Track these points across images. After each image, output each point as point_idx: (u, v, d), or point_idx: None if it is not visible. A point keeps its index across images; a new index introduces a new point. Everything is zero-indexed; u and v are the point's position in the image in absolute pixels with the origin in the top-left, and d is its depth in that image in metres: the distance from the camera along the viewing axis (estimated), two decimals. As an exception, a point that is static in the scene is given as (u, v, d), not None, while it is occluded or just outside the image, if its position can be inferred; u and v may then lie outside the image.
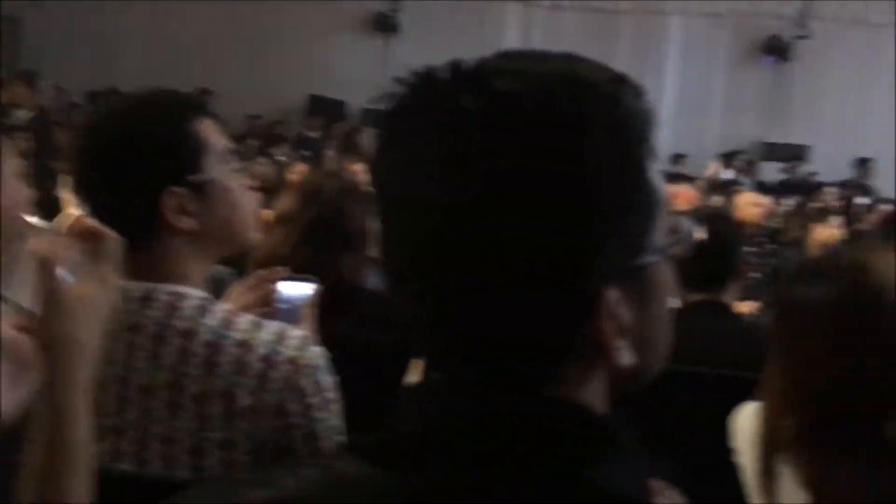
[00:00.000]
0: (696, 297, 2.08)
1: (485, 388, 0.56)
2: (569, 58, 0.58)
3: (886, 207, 6.86)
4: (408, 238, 0.56)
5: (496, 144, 0.52)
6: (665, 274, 0.61)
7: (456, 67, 0.56)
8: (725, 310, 2.05)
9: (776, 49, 10.33)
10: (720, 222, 2.11)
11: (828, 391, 1.25)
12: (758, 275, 5.32)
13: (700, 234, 1.96)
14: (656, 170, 0.58)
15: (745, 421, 1.49)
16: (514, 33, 10.53)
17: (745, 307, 4.97)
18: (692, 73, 10.64)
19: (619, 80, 0.57)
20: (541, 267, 0.53)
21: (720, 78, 10.70)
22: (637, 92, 0.58)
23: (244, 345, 1.09)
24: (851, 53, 10.45)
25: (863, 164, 9.57)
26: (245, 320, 1.13)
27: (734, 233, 2.12)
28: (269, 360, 1.09)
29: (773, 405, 1.36)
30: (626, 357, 0.57)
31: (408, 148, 0.55)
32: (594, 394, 0.58)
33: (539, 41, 10.59)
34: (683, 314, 2.12)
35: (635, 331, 0.57)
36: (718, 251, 2.07)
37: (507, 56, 0.58)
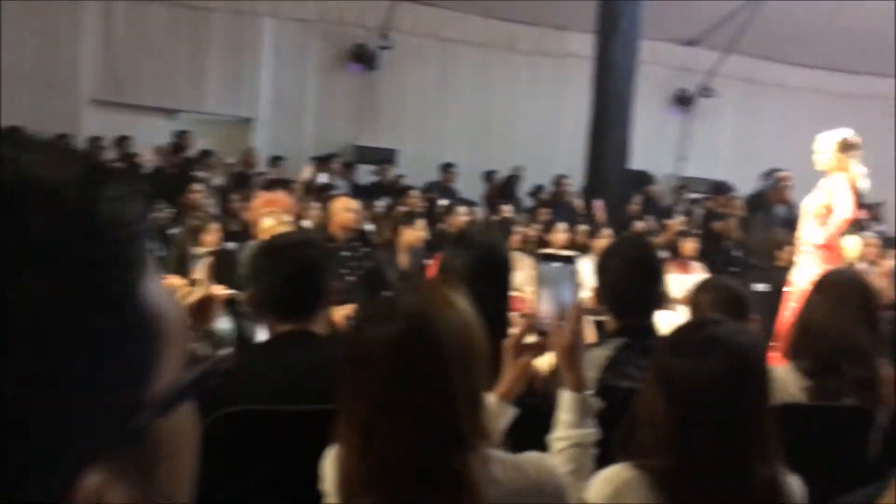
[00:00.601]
0: (284, 327, 1.99)
1: None
2: (19, 146, 0.40)
3: (464, 209, 7.58)
4: None
5: None
6: (184, 419, 0.47)
7: None
8: (316, 339, 1.99)
9: (362, 57, 10.87)
10: (308, 248, 2.04)
11: (391, 430, 1.26)
12: (353, 278, 5.51)
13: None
14: (156, 287, 0.44)
15: (331, 462, 1.43)
16: (91, 26, 9.63)
17: (342, 311, 5.12)
18: (286, 76, 10.74)
19: (94, 180, 0.41)
20: None
21: (313, 82, 10.96)
22: (122, 190, 0.42)
23: None
24: (428, 65, 11.41)
25: (446, 168, 10.49)
26: None
27: (323, 258, 2.07)
28: None
29: (345, 446, 1.33)
30: None
31: None
32: None
33: (122, 37, 9.83)
34: (271, 347, 2.03)
35: None
36: (307, 279, 2.01)
37: None
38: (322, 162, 9.88)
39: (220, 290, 4.94)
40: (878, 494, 1.29)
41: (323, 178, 9.26)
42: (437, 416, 1.25)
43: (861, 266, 5.92)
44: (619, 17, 8.84)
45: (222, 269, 5.03)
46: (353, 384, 1.32)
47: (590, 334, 4.41)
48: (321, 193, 7.72)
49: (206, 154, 9.40)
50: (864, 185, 5.16)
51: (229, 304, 4.81)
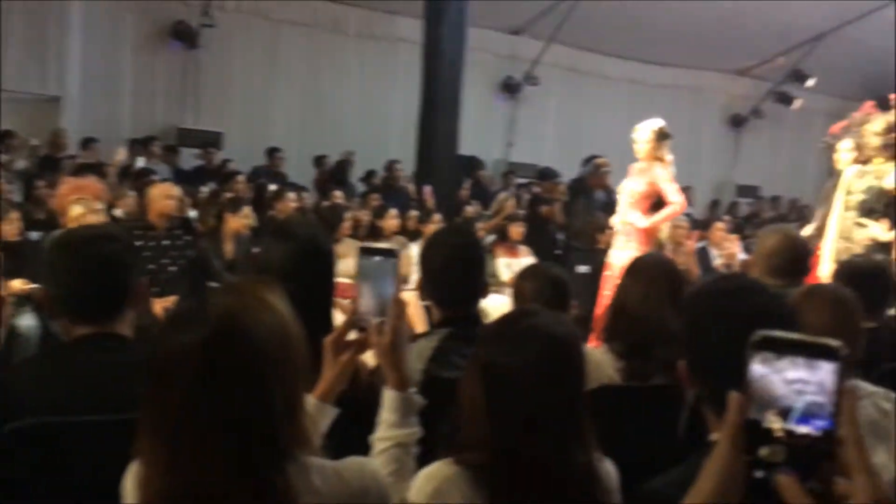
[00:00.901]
0: (83, 329, 1.82)
1: None
2: None
3: (293, 195, 7.40)
4: None
5: None
6: None
7: None
8: (120, 342, 1.83)
9: (183, 35, 10.32)
10: (109, 242, 1.87)
11: (199, 442, 1.16)
12: (175, 268, 5.24)
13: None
14: None
15: (132, 479, 1.31)
16: None
17: (163, 303, 4.86)
18: (99, 52, 9.99)
19: None
20: None
21: (129, 59, 10.27)
22: None
23: None
24: (254, 45, 11.00)
25: (272, 152, 10.19)
26: None
27: (126, 253, 1.90)
28: None
29: (147, 461, 1.22)
30: None
31: None
32: None
33: None
34: (70, 351, 1.85)
35: None
36: (108, 276, 1.84)
37: None
38: (141, 145, 9.33)
39: (18, 286, 4.56)
40: (684, 474, 1.34)
41: (141, 162, 8.74)
42: (250, 426, 1.17)
43: (669, 248, 6.33)
44: (447, 3, 8.92)
45: (24, 261, 4.63)
46: (157, 393, 1.21)
47: (421, 322, 4.42)
48: (138, 179, 7.28)
49: (6, 135, 8.61)
50: (673, 171, 5.51)
51: (33, 299, 4.44)
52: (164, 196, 5.30)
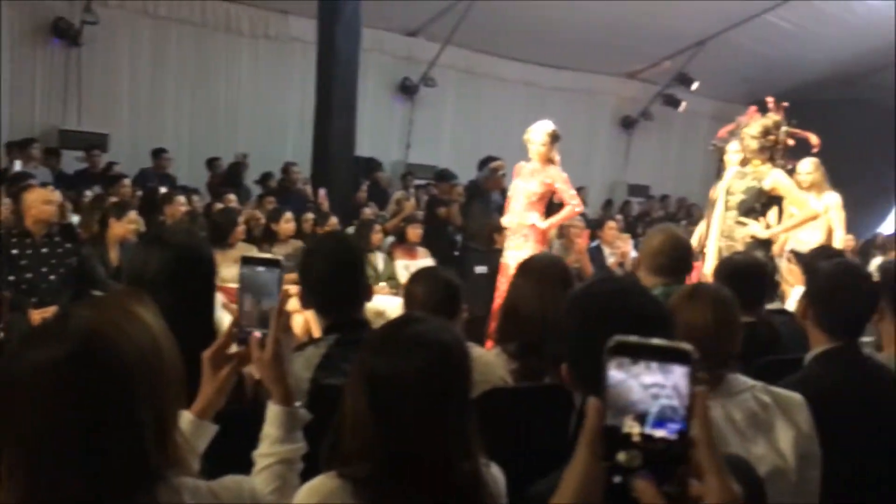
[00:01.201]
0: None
1: None
2: None
3: (182, 199, 7.17)
4: None
5: None
6: None
7: None
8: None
9: (64, 32, 9.82)
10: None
11: (60, 467, 1.08)
12: (54, 277, 4.98)
13: None
14: None
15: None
16: None
17: (42, 313, 4.60)
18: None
19: None
20: None
21: (5, 59, 9.68)
22: None
23: None
24: (140, 44, 10.58)
25: (157, 153, 9.81)
26: None
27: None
28: None
29: (1, 487, 1.13)
30: None
31: None
32: None
33: None
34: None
35: None
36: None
37: None
38: (19, 147, 8.82)
39: None
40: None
41: (17, 166, 8.27)
42: (115, 449, 1.10)
43: (556, 247, 6.45)
44: (341, 3, 8.83)
45: None
46: (11, 414, 1.13)
47: (318, 329, 4.33)
48: (14, 184, 6.88)
49: None
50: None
51: None
52: (40, 201, 5.06)
